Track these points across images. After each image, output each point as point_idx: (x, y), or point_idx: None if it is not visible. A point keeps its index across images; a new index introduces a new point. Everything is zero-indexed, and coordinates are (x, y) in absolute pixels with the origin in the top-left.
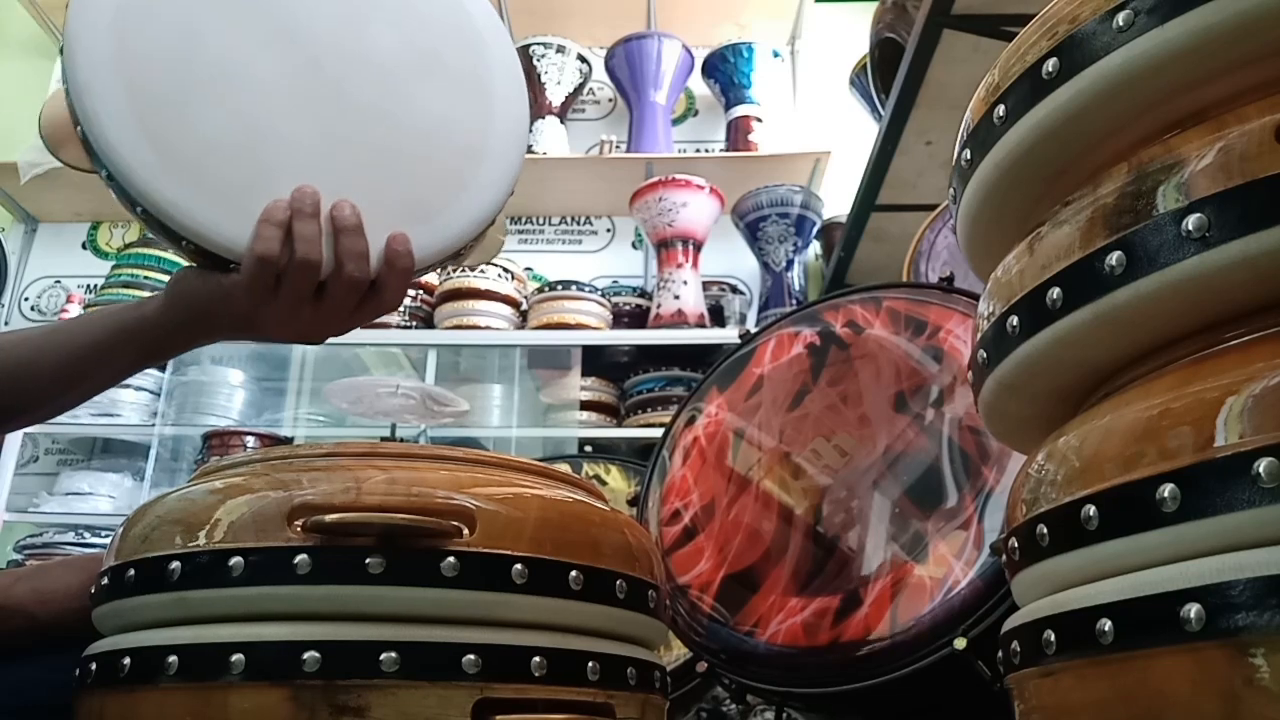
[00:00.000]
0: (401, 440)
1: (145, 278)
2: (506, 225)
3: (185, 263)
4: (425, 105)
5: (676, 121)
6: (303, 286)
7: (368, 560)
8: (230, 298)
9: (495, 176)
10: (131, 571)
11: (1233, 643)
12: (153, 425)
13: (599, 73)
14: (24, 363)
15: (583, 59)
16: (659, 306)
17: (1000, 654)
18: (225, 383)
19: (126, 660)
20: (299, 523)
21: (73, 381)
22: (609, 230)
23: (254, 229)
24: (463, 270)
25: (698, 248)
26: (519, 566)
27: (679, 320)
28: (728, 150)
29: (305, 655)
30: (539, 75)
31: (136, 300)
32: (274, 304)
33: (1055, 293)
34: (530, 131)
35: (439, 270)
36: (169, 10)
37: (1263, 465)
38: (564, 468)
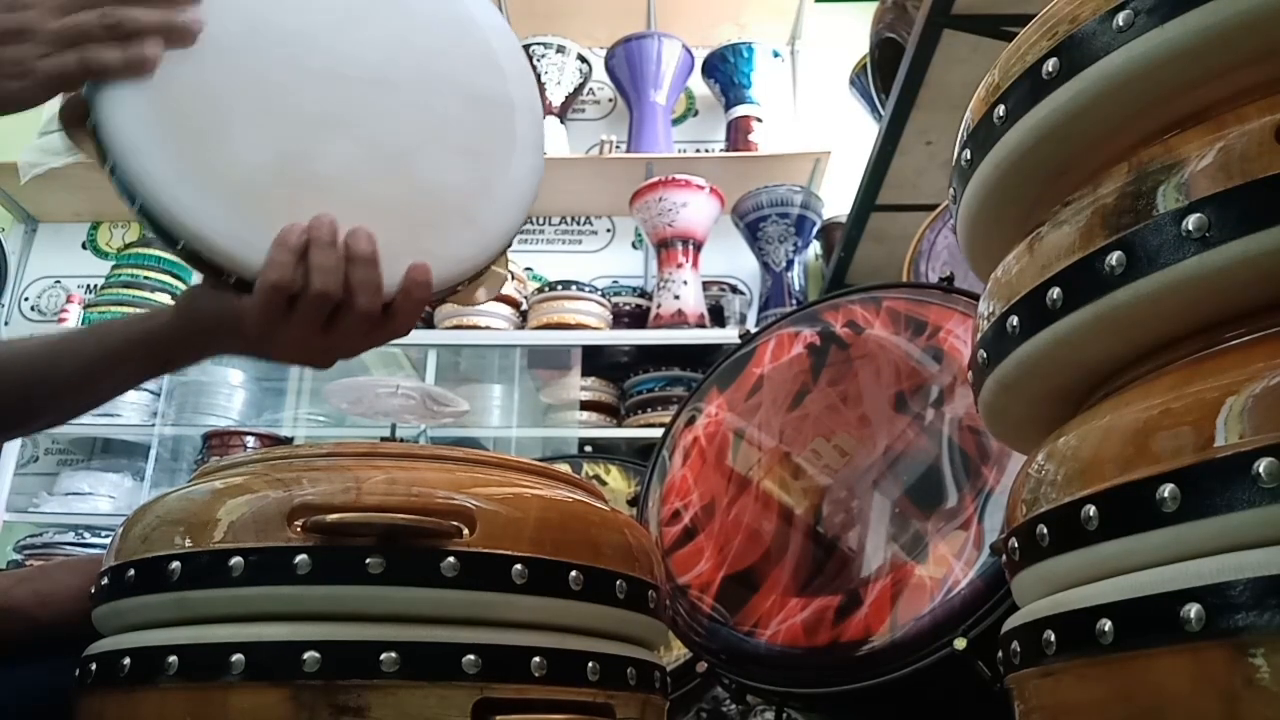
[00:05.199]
0: (401, 440)
1: (145, 278)
2: (509, 261)
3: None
4: (448, 141)
5: (676, 121)
6: (315, 315)
7: (368, 560)
8: (240, 319)
9: (504, 220)
10: (131, 572)
11: (1233, 643)
12: (153, 425)
13: (599, 73)
14: (39, 369)
15: (583, 59)
16: (659, 306)
17: (1000, 654)
18: (225, 383)
19: (126, 660)
20: (299, 523)
21: (84, 389)
22: (609, 230)
23: (269, 254)
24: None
25: (698, 248)
26: (519, 566)
27: (679, 320)
28: (728, 150)
29: (305, 655)
30: (539, 75)
31: (147, 312)
32: (286, 329)
33: (1055, 293)
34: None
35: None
36: (225, 30)
37: (1263, 465)
38: (564, 468)
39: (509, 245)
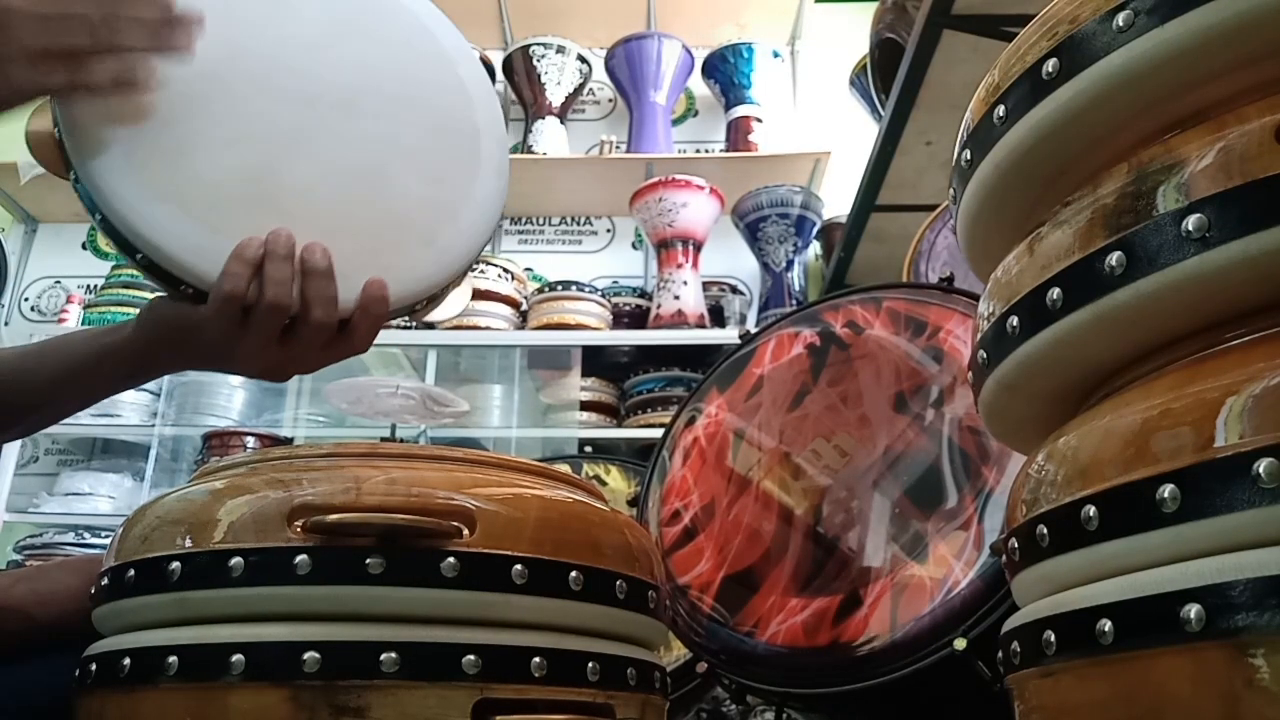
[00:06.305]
0: (401, 440)
1: (145, 279)
2: (472, 283)
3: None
4: (412, 164)
5: (676, 122)
6: (270, 326)
7: (368, 560)
8: (199, 330)
9: (466, 242)
10: (131, 572)
11: (1233, 643)
12: (153, 425)
13: (599, 73)
14: (19, 375)
15: (583, 59)
16: (659, 307)
17: (1000, 654)
18: (225, 383)
19: (126, 661)
20: (299, 523)
21: (62, 395)
22: (609, 230)
23: (224, 265)
24: None
25: (698, 248)
26: (519, 567)
27: (679, 320)
28: (728, 150)
29: (305, 656)
30: (539, 75)
31: (112, 325)
32: (242, 340)
33: (1055, 293)
34: (531, 131)
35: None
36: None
37: (1263, 465)
38: (564, 468)
39: (470, 266)
